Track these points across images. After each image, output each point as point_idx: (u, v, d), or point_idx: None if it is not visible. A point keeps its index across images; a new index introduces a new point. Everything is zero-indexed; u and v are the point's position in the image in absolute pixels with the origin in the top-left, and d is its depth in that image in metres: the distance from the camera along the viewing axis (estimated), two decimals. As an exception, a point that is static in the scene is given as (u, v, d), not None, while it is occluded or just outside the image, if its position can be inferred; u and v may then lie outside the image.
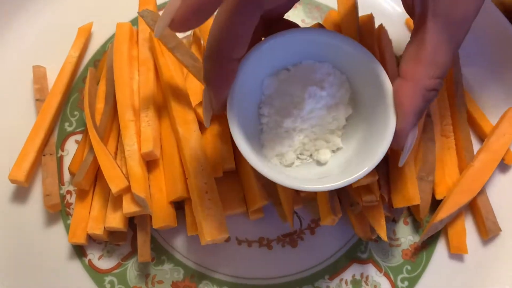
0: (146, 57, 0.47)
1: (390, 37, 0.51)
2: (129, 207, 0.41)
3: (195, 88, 0.47)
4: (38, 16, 0.54)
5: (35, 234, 0.44)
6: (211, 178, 0.42)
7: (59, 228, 0.45)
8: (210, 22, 0.50)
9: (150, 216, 0.43)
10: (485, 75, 0.55)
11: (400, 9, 0.58)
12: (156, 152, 0.43)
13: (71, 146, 0.48)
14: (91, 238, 0.44)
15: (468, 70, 0.53)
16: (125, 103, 0.44)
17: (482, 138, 0.52)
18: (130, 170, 0.41)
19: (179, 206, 0.45)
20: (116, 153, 0.45)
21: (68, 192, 0.46)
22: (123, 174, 0.42)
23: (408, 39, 0.56)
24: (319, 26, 0.48)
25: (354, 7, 0.49)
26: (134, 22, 0.54)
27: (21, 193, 0.46)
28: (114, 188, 0.41)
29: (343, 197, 0.43)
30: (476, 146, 0.51)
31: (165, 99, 0.45)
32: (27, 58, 0.51)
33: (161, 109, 0.46)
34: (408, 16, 0.57)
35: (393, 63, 0.49)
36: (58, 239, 0.44)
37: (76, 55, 0.51)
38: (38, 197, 0.46)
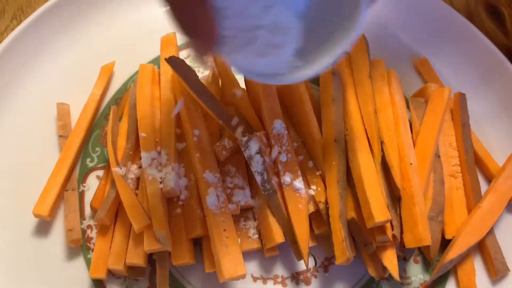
0: (167, 97, 0.49)
1: (399, 79, 0.54)
2: (150, 244, 0.42)
3: (214, 128, 0.49)
4: (62, 54, 0.56)
5: (56, 268, 0.46)
6: (229, 216, 0.44)
7: (80, 262, 0.46)
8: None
9: (169, 252, 0.44)
10: (491, 116, 0.57)
11: (409, 52, 0.60)
12: (177, 189, 0.44)
13: (92, 181, 0.50)
14: (110, 273, 0.45)
15: (474, 110, 0.55)
16: (147, 142, 0.46)
17: (489, 178, 0.53)
18: (152, 207, 0.43)
19: (196, 242, 0.46)
20: (137, 189, 0.47)
21: (89, 226, 0.48)
22: (145, 211, 0.43)
23: (416, 81, 0.59)
24: (333, 71, 0.50)
25: (366, 52, 0.52)
26: (155, 61, 0.56)
27: (43, 227, 0.47)
28: (136, 226, 0.42)
29: (356, 236, 0.44)
30: (483, 185, 0.52)
31: (185, 138, 0.47)
32: (52, 95, 0.54)
33: (181, 147, 0.47)
34: (416, 59, 0.60)
35: (403, 105, 0.51)
36: (79, 273, 0.45)
37: (99, 93, 0.53)
38: (59, 231, 0.47)
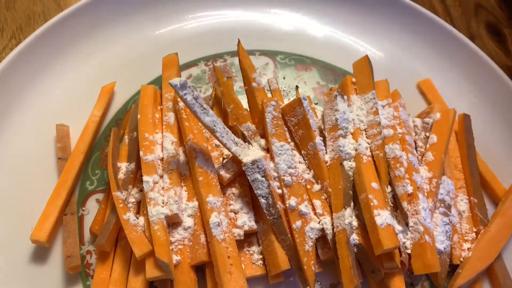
0: (170, 119, 0.48)
1: (403, 100, 0.53)
2: (152, 272, 0.41)
3: (217, 150, 0.48)
4: (62, 75, 0.56)
5: (54, 296, 0.44)
6: (233, 241, 0.43)
7: (79, 289, 0.45)
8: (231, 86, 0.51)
9: (171, 279, 0.43)
10: (496, 137, 0.56)
11: (411, 73, 0.60)
12: (180, 215, 0.43)
13: (91, 205, 0.49)
14: (110, 301, 0.44)
15: (478, 132, 0.55)
16: (149, 165, 0.45)
17: (495, 200, 0.53)
18: (154, 234, 0.42)
19: (198, 268, 0.45)
20: (138, 213, 0.46)
21: (88, 252, 0.46)
22: (146, 237, 0.42)
23: (419, 101, 0.58)
24: (337, 91, 0.49)
25: (370, 73, 0.51)
26: (156, 82, 0.56)
27: (41, 253, 0.46)
28: (138, 253, 0.41)
29: (364, 263, 0.43)
30: (489, 206, 0.51)
31: (188, 161, 0.46)
32: (51, 117, 0.53)
33: (184, 171, 0.46)
34: (419, 80, 0.59)
35: (408, 126, 0.51)
36: (78, 301, 0.44)
37: (99, 114, 0.52)
38: (57, 257, 0.46)
